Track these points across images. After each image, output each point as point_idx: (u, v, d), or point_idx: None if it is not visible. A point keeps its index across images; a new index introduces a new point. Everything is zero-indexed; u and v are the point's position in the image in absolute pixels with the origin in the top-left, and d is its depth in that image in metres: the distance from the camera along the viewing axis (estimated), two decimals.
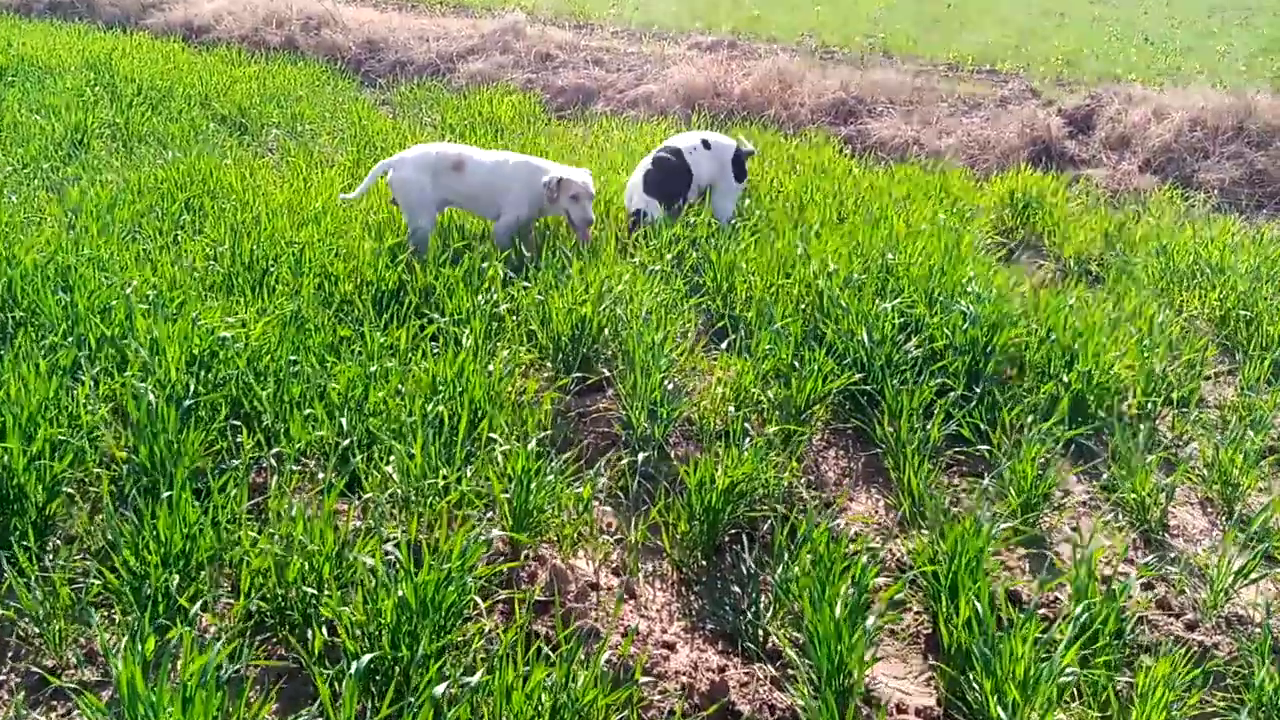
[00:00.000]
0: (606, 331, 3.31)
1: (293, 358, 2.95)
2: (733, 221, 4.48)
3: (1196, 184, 6.01)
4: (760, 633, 2.32)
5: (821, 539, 2.32)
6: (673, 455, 2.89)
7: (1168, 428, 3.25)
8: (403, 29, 9.54)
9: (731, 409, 2.97)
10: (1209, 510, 2.87)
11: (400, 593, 2.00)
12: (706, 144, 4.60)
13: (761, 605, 2.36)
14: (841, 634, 2.04)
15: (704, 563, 2.56)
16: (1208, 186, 5.96)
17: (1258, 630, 2.29)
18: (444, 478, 2.49)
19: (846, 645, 2.04)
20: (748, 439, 2.76)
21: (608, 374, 3.20)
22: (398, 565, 2.12)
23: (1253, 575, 2.44)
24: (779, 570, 2.35)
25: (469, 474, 2.52)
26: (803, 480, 2.84)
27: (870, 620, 2.08)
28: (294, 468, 2.59)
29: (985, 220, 4.91)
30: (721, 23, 11.87)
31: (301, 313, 3.29)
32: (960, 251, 3.96)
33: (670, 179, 4.45)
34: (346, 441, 2.63)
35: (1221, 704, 2.16)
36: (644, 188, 4.40)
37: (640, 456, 2.75)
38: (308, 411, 2.74)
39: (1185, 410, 3.28)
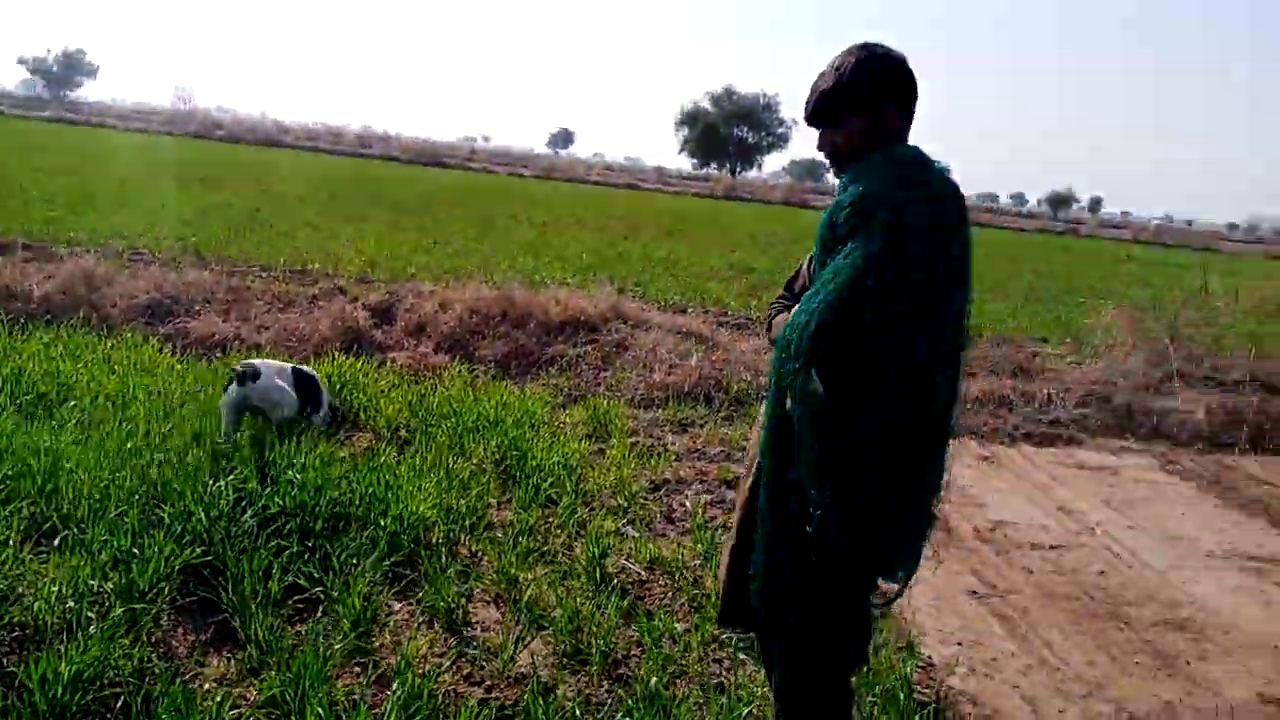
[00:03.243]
0: None
1: None
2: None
3: (478, 358, 7.44)
4: None
5: (177, 695, 2.57)
6: (5, 662, 2.83)
7: (464, 548, 4.09)
8: None
9: (71, 603, 3.02)
10: (499, 603, 3.72)
11: None
12: None
13: None
14: None
15: None
16: (486, 360, 7.43)
17: (529, 679, 3.10)
18: None
19: None
20: (94, 626, 2.86)
21: None
22: None
23: (526, 641, 3.31)
24: None
25: None
26: (152, 659, 3.01)
27: None
28: None
29: None
30: (8, 222, 11.07)
31: None
32: (287, 429, 4.49)
33: None
34: None
35: None
36: None
37: None
38: None
39: (476, 532, 4.18)
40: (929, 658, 3.72)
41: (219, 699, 2.57)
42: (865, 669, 3.08)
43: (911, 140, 2.29)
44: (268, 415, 4.69)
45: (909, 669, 3.40)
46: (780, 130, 62.17)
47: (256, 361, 4.85)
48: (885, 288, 2.04)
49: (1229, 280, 9.86)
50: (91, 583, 3.15)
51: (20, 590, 3.14)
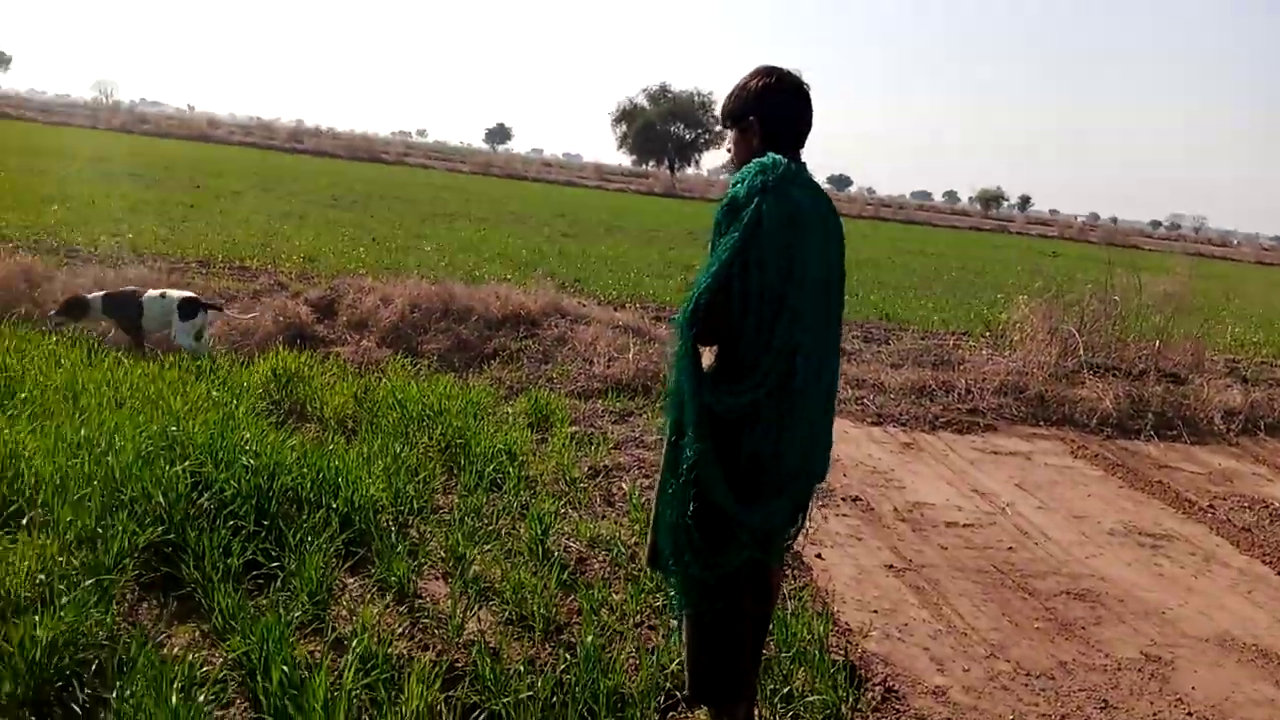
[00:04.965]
0: None
1: None
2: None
3: (421, 352, 7.63)
4: None
5: (151, 659, 2.77)
6: None
7: (413, 529, 4.32)
8: None
9: (42, 576, 3.19)
10: (447, 578, 3.96)
11: None
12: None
13: None
14: (178, 715, 2.54)
15: (33, 718, 2.77)
16: (429, 354, 7.62)
17: (476, 644, 3.35)
18: None
19: None
20: (66, 598, 3.04)
21: None
22: None
23: (474, 610, 3.56)
24: (114, 692, 2.72)
25: None
26: (123, 625, 3.20)
27: (202, 696, 2.61)
28: None
29: (255, 394, 5.68)
30: None
31: None
32: (238, 419, 4.66)
33: None
34: None
35: (460, 693, 3.13)
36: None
37: None
38: None
39: (423, 514, 4.41)
40: (846, 624, 4.05)
41: (189, 660, 2.77)
42: (772, 628, 3.38)
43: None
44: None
45: (823, 631, 3.72)
46: (717, 129, 62.66)
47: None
48: (745, 276, 2.43)
49: (1144, 275, 10.44)
50: (60, 559, 3.31)
51: None
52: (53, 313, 6.86)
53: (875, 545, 5.01)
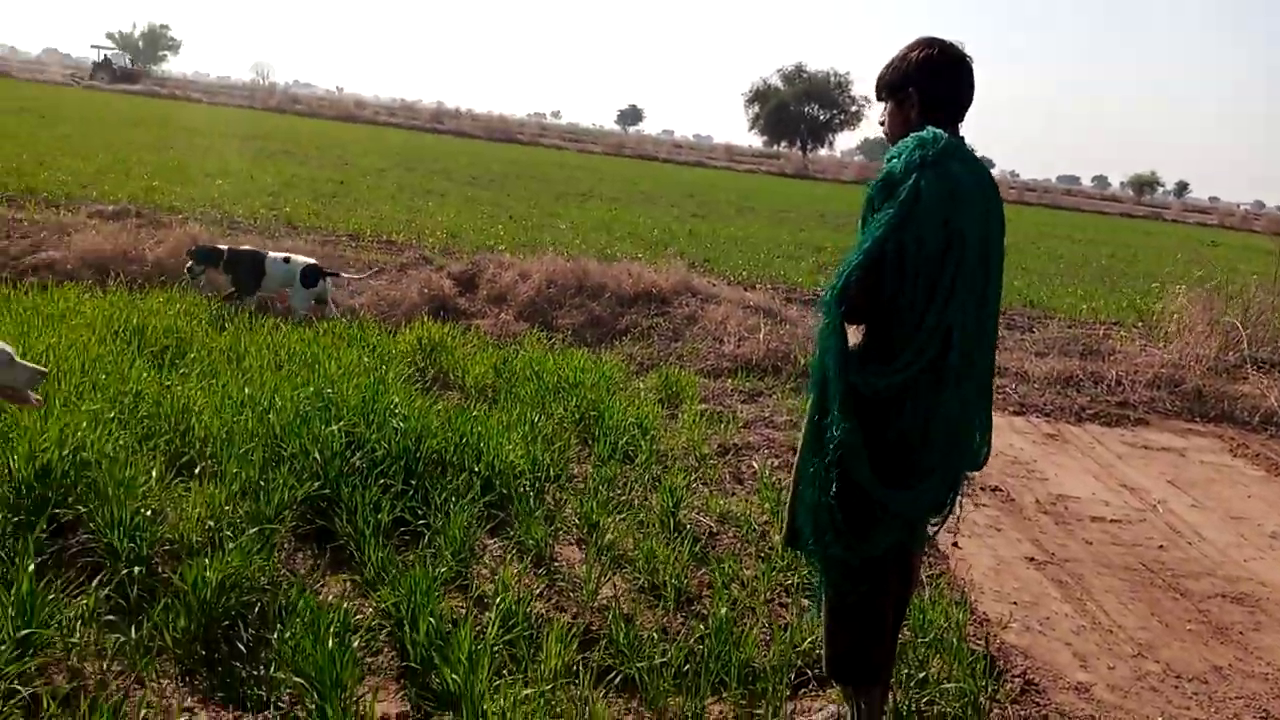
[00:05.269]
0: (73, 474, 3.53)
1: None
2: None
3: (556, 326, 7.79)
4: (265, 688, 2.83)
5: (310, 604, 2.94)
6: (162, 570, 3.25)
7: (550, 495, 4.42)
8: None
9: (211, 523, 3.42)
10: (581, 545, 4.04)
11: None
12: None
13: (266, 668, 2.87)
14: (335, 659, 2.68)
15: (204, 652, 2.98)
16: (563, 328, 7.77)
17: (610, 610, 3.42)
18: None
19: (339, 668, 2.69)
20: (232, 544, 3.26)
21: (83, 510, 3.41)
22: None
23: (607, 577, 3.63)
24: (276, 634, 2.90)
25: None
26: (283, 572, 3.40)
27: (356, 642, 2.75)
28: None
29: (402, 361, 5.92)
30: (115, 192, 11.73)
31: None
32: (387, 384, 4.88)
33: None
34: None
35: (596, 655, 3.20)
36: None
37: (137, 570, 3.08)
38: None
39: (559, 481, 4.52)
40: (984, 614, 3.94)
41: (344, 608, 2.94)
42: (909, 612, 3.32)
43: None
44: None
45: (962, 619, 3.63)
46: (853, 109, 61.22)
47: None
48: (900, 253, 2.35)
49: None
50: (227, 508, 3.55)
51: (167, 511, 3.55)
52: (190, 264, 7.18)
53: (1015, 536, 4.85)
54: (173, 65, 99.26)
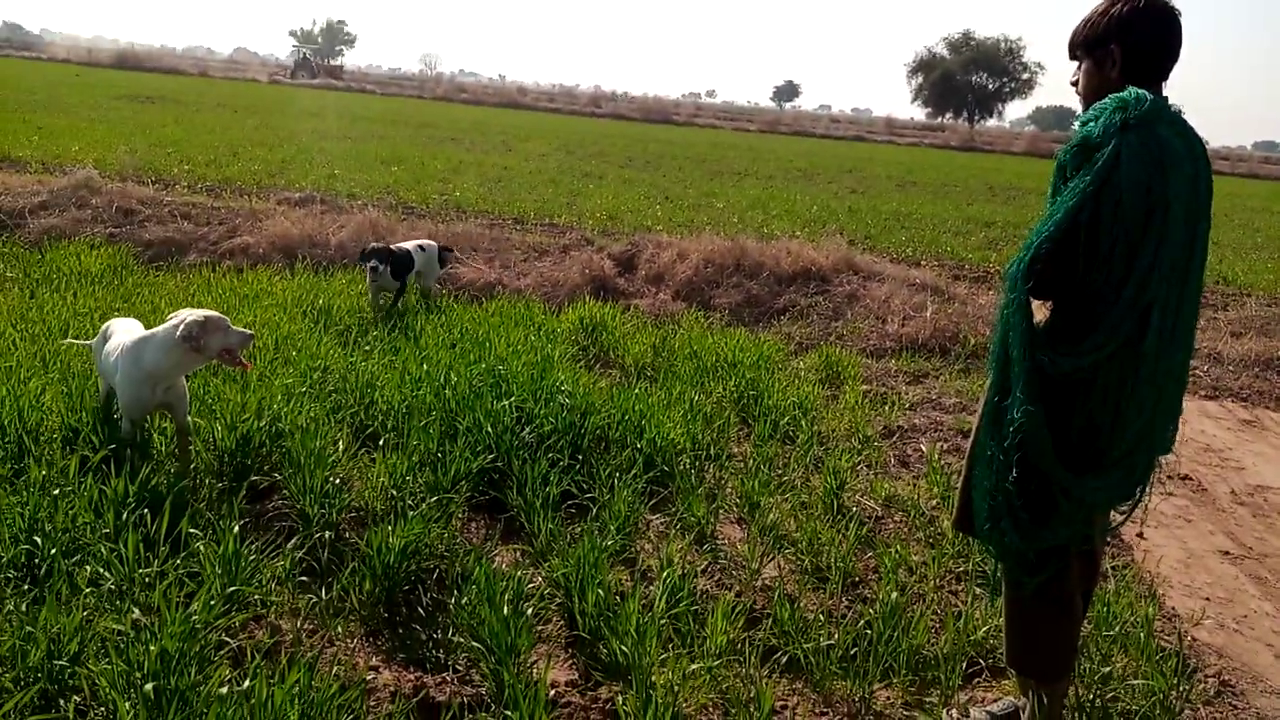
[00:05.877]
0: (269, 444, 3.80)
1: None
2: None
3: (713, 306, 7.79)
4: (443, 651, 2.97)
5: (486, 571, 3.06)
6: (348, 535, 3.46)
7: (710, 474, 4.44)
8: None
9: (394, 491, 3.62)
10: (742, 524, 4.04)
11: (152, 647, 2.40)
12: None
13: (444, 632, 3.02)
14: (509, 625, 2.79)
15: (386, 614, 3.16)
16: (721, 308, 7.75)
17: (774, 589, 3.41)
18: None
19: (513, 634, 2.79)
20: (412, 512, 3.43)
21: (278, 477, 3.68)
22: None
23: (770, 557, 3.61)
24: (453, 599, 3.04)
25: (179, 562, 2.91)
26: (459, 540, 3.56)
27: (529, 610, 2.85)
28: None
29: (565, 340, 6.06)
30: (300, 180, 12.47)
31: None
32: (553, 362, 5.01)
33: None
34: None
35: (761, 634, 3.20)
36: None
37: (328, 534, 3.30)
38: None
39: (719, 460, 4.52)
40: (1173, 609, 3.70)
41: (517, 577, 3.05)
42: (1092, 603, 3.15)
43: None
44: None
45: (1149, 614, 3.41)
46: (1025, 76, 58.17)
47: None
48: (1096, 224, 2.18)
49: None
50: (407, 478, 3.74)
51: (354, 480, 3.78)
52: (373, 263, 6.50)
53: (1207, 528, 4.53)
54: (349, 59, 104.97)
